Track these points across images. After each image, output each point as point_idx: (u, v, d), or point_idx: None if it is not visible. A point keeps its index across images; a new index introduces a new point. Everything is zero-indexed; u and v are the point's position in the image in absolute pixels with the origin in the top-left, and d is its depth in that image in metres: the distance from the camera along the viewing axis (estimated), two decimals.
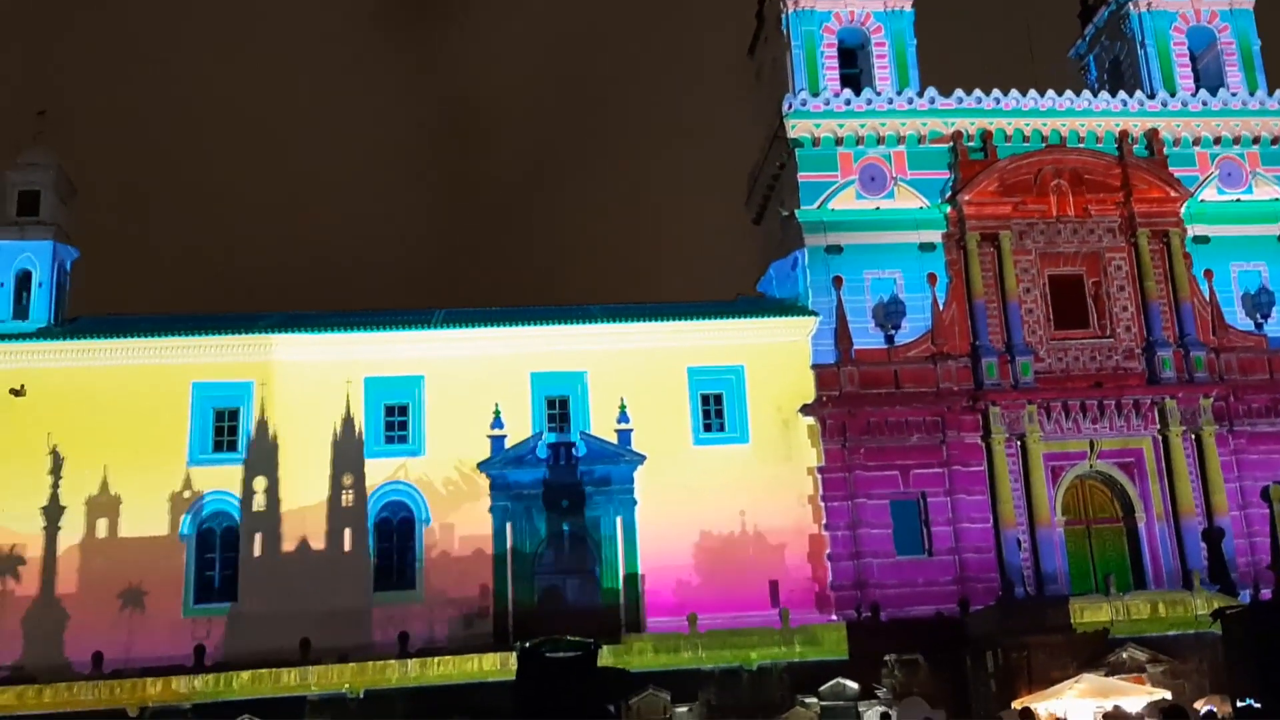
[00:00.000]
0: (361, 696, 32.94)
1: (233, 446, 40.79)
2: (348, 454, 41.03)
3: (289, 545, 39.89)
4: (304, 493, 40.47)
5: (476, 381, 42.00)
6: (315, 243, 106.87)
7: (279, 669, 32.95)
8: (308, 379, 41.61)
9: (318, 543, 40.00)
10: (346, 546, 40.00)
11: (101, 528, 39.60)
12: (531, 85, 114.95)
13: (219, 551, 39.75)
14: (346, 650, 34.84)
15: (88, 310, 44.46)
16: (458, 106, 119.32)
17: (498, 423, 41.17)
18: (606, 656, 33.30)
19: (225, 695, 32.11)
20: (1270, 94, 47.85)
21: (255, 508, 40.13)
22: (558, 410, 42.36)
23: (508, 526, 39.75)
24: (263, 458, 40.64)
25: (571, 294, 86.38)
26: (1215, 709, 29.15)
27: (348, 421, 41.42)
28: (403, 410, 42.08)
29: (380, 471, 41.04)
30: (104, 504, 39.69)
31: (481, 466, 40.74)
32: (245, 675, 32.59)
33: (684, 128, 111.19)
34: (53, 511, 39.48)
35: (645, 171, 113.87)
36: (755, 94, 52.89)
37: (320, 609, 37.99)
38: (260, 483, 40.46)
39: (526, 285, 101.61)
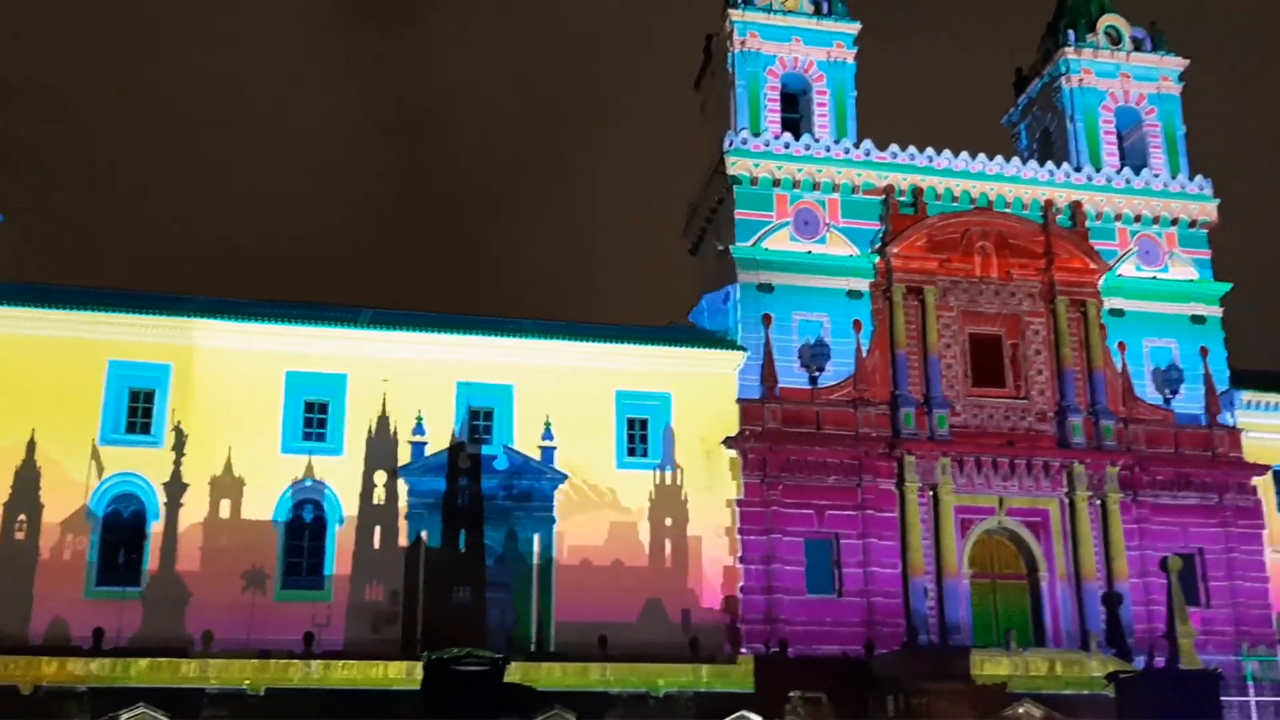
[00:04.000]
0: (262, 694, 31.96)
1: (146, 429, 39.65)
2: (263, 447, 40.15)
3: (198, 534, 38.84)
4: (216, 482, 39.50)
5: (401, 385, 41.53)
6: (258, 231, 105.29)
7: (178, 659, 31.94)
8: (228, 367, 40.72)
9: (227, 535, 39.04)
10: (255, 541, 39.07)
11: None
12: (488, 94, 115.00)
13: (125, 534, 38.56)
14: (249, 646, 33.97)
15: (10, 279, 42.82)
16: (414, 109, 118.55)
17: (420, 429, 40.71)
18: (514, 673, 32.97)
19: (122, 681, 30.89)
20: (1190, 178, 49.96)
21: (166, 493, 39.00)
22: (482, 421, 42.08)
23: (423, 534, 39.18)
24: (177, 442, 39.57)
25: (507, 305, 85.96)
26: None
27: (266, 414, 40.54)
28: (323, 408, 41.41)
29: (295, 468, 40.25)
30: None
31: (401, 472, 40.22)
32: (144, 662, 31.49)
33: (631, 152, 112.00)
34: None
35: (593, 189, 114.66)
36: (700, 126, 53.53)
37: (225, 601, 37.09)
38: (173, 468, 39.32)
39: (464, 292, 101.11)
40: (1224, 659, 37.31)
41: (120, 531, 38.70)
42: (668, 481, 42.76)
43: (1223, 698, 33.63)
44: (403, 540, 39.63)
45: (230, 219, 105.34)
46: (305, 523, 40.06)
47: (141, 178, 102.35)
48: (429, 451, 40.44)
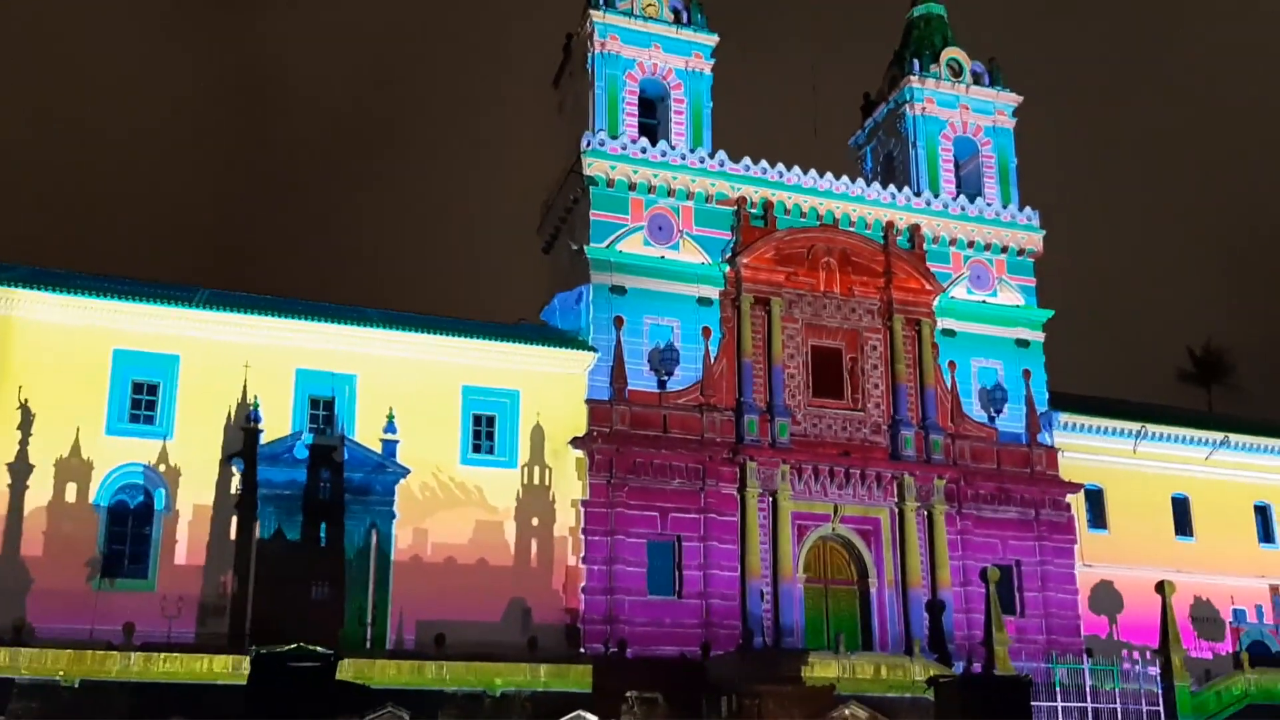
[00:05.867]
0: (76, 686, 30.34)
1: None
2: (87, 428, 38.06)
3: (13, 517, 36.50)
4: (36, 462, 37.21)
5: (237, 370, 40.03)
6: (89, 204, 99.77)
7: None
8: (50, 342, 38.39)
9: (44, 519, 36.82)
10: (75, 526, 36.98)
11: None
12: (337, 73, 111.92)
13: None
14: (66, 636, 32.10)
15: None
16: (259, 86, 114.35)
17: (255, 415, 39.25)
18: (347, 670, 32.17)
19: None
20: (1020, 209, 52.45)
21: None
22: (322, 411, 40.93)
23: (256, 525, 37.76)
24: None
25: (354, 294, 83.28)
26: None
27: (90, 393, 38.45)
28: (152, 389, 39.55)
29: (121, 451, 38.28)
30: None
31: (234, 461, 38.72)
32: None
33: (487, 144, 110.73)
34: None
35: (444, 181, 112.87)
36: (557, 124, 53.34)
37: (39, 590, 35.00)
38: (17, 448, 37.01)
39: (310, 278, 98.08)
40: (1035, 666, 39.01)
41: None
42: (536, 481, 42.56)
43: (1033, 703, 35.20)
44: (233, 530, 38.09)
45: (61, 189, 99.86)
46: (130, 509, 38.16)
47: None
48: (265, 440, 39.03)
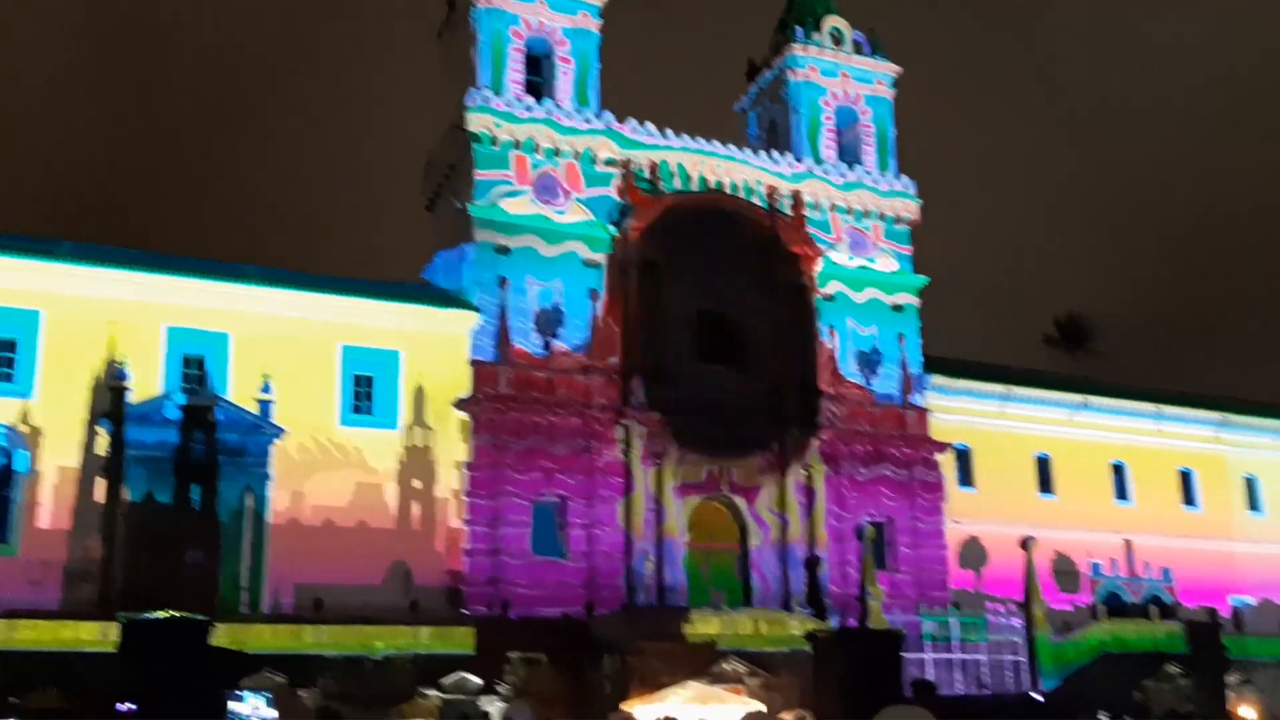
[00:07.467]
0: None
1: None
2: None
3: None
4: None
5: (103, 327, 38.59)
6: None
7: None
8: None
9: None
10: None
11: None
12: (217, 23, 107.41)
13: None
14: None
15: None
16: (135, 34, 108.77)
17: (123, 374, 37.82)
18: (221, 635, 31.46)
19: None
20: (898, 178, 53.47)
21: None
22: (194, 371, 39.71)
23: (124, 488, 36.44)
24: None
25: (232, 250, 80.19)
26: None
27: None
28: (11, 346, 37.90)
29: None
30: None
31: (101, 421, 37.29)
32: None
33: (370, 98, 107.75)
34: None
35: (326, 135, 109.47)
36: (441, 79, 52.24)
37: None
38: None
39: (184, 234, 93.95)
40: (906, 619, 40.36)
41: None
42: (418, 443, 42.10)
43: (904, 654, 36.41)
44: (101, 493, 36.73)
45: None
46: None
47: None
48: (134, 399, 37.63)
